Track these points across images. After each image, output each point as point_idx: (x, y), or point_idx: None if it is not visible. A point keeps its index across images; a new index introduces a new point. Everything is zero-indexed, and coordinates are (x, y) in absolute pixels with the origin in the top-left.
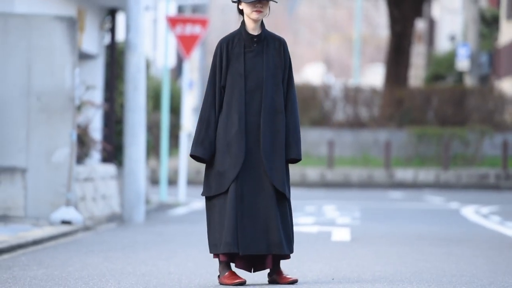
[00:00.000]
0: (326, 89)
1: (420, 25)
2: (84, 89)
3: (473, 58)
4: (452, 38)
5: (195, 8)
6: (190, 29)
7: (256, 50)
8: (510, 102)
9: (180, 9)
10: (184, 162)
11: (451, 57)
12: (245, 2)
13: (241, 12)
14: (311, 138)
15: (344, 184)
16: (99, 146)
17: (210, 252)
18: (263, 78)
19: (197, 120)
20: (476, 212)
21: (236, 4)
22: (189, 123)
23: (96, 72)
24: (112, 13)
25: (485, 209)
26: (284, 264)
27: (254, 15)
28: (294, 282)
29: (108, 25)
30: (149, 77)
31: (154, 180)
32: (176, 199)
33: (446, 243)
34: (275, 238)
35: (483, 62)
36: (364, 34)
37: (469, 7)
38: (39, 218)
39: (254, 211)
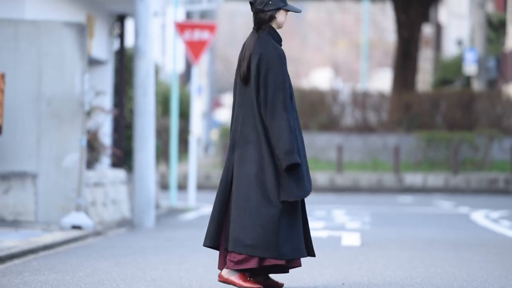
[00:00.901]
0: (334, 93)
1: (427, 30)
2: (93, 95)
3: (481, 63)
4: (459, 43)
5: (203, 14)
6: (198, 35)
7: None
8: None
9: (188, 14)
10: (193, 167)
11: (458, 61)
12: (292, 11)
13: (269, 19)
14: (320, 143)
15: (354, 189)
16: (108, 151)
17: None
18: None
19: (284, 127)
20: (486, 217)
21: (256, 11)
22: (198, 128)
23: (106, 78)
24: (121, 19)
25: (495, 214)
26: (296, 269)
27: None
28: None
29: (117, 31)
30: (158, 83)
31: (163, 185)
32: (185, 204)
33: (457, 248)
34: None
35: (490, 67)
36: (372, 39)
37: (476, 12)
38: (49, 223)
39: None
